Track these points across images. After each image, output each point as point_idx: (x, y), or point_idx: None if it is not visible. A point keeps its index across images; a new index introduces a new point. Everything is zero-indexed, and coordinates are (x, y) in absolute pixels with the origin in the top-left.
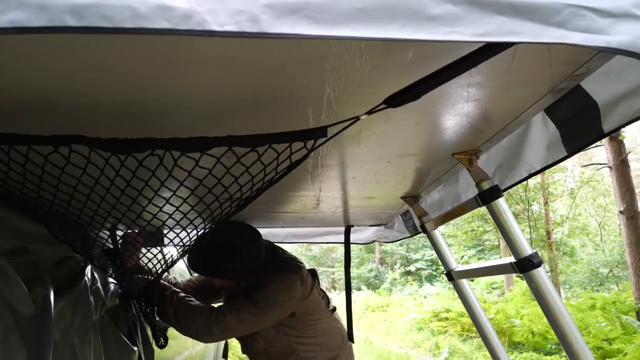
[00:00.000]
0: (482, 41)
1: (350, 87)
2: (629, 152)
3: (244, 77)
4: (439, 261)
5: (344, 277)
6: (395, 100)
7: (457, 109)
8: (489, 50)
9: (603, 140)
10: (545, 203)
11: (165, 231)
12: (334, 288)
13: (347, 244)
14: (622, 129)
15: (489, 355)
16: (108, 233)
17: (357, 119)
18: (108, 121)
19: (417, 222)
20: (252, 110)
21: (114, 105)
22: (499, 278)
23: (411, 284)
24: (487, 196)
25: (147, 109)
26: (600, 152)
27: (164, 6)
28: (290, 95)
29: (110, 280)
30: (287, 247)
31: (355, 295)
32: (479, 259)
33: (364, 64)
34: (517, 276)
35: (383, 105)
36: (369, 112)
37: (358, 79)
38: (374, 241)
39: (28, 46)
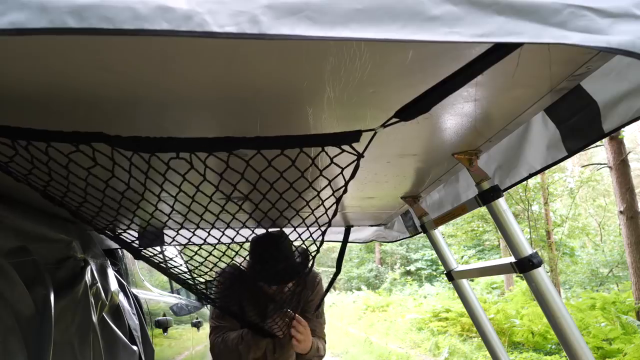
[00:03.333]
0: (481, 42)
1: (350, 86)
2: (629, 152)
3: (243, 77)
4: (439, 261)
5: (343, 277)
6: (407, 112)
7: (457, 109)
8: (494, 54)
9: (603, 140)
10: (545, 203)
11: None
12: (334, 288)
13: (344, 242)
14: (622, 129)
15: (489, 355)
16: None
17: (374, 132)
18: (108, 119)
19: (417, 222)
20: (252, 110)
21: (113, 103)
22: (499, 278)
23: (411, 284)
24: (487, 196)
25: (145, 107)
26: (600, 152)
27: (164, 7)
28: (290, 95)
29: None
30: None
31: (355, 295)
32: (479, 259)
33: (364, 63)
34: (517, 276)
35: (395, 119)
36: (384, 125)
37: (358, 79)
38: (372, 240)
39: (27, 44)
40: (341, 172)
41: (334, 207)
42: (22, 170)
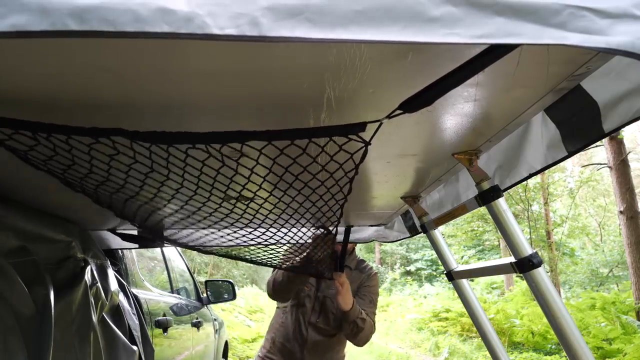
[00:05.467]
0: (480, 43)
1: (350, 87)
2: (629, 152)
3: (244, 78)
4: (439, 261)
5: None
6: (410, 105)
7: (457, 109)
8: (497, 51)
9: (603, 140)
10: (545, 203)
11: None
12: None
13: (344, 243)
14: (622, 129)
15: (489, 355)
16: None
17: (379, 123)
18: (109, 123)
19: (417, 222)
20: (253, 112)
21: (113, 106)
22: (499, 278)
23: (411, 284)
24: (487, 196)
25: (146, 110)
26: (600, 152)
27: (164, 9)
28: (290, 97)
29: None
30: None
31: None
32: (479, 259)
33: (364, 64)
34: (517, 276)
35: (399, 111)
36: (389, 117)
37: (358, 80)
38: (373, 240)
39: (29, 44)
40: (350, 157)
41: (347, 188)
42: (41, 157)
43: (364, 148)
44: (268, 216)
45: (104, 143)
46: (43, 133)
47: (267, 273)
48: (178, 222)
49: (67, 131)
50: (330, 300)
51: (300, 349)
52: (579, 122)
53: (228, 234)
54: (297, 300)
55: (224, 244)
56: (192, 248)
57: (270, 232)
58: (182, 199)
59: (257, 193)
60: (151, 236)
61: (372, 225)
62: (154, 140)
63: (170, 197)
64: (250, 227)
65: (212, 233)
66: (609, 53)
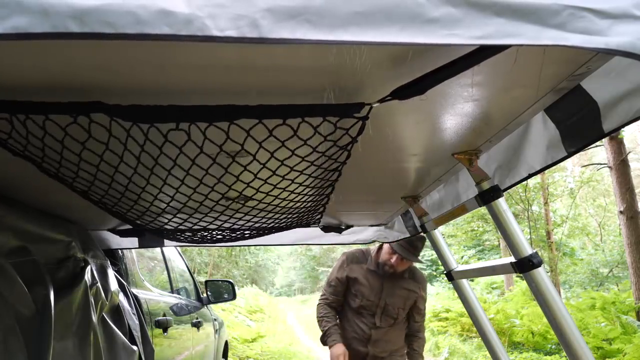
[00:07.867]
0: (480, 44)
1: (350, 86)
2: (629, 152)
3: (243, 78)
4: (439, 261)
5: None
6: (402, 93)
7: (457, 109)
8: (493, 47)
9: (603, 140)
10: (545, 203)
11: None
12: None
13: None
14: (622, 129)
15: (489, 355)
16: None
17: (370, 106)
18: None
19: (417, 222)
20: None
21: (109, 96)
22: (499, 278)
23: None
24: (487, 196)
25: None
26: (600, 152)
27: (165, 11)
28: (289, 95)
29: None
30: (287, 248)
31: None
32: (479, 259)
33: (364, 63)
34: (517, 276)
35: (389, 97)
36: (381, 101)
37: (358, 79)
38: (374, 241)
39: (28, 43)
40: (347, 132)
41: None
42: (21, 144)
43: (362, 122)
44: (263, 200)
45: (81, 126)
46: (21, 114)
47: (267, 273)
48: (168, 213)
49: (44, 109)
50: (391, 306)
51: (365, 345)
52: (579, 122)
53: (230, 221)
54: (361, 310)
55: (226, 232)
56: (192, 241)
57: (270, 214)
58: (172, 184)
59: (258, 175)
60: (143, 228)
61: (372, 225)
62: (136, 116)
63: (146, 181)
64: (251, 213)
65: (208, 224)
66: (608, 54)
